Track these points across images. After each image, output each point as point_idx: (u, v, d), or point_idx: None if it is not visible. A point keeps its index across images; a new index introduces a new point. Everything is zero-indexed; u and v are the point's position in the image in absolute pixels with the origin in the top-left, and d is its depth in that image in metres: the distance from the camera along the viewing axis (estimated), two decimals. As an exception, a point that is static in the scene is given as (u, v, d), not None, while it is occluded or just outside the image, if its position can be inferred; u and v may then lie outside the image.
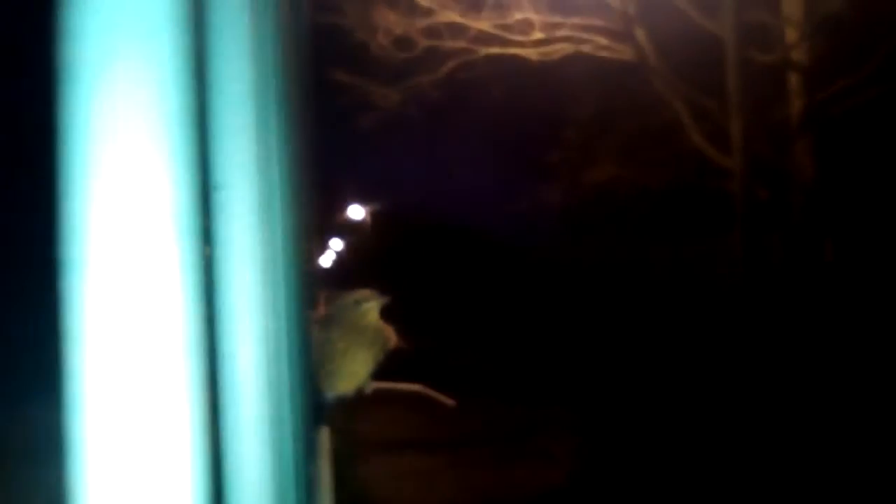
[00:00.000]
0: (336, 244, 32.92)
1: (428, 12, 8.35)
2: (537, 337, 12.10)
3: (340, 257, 34.70)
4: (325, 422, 0.97)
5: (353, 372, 1.01)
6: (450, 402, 1.81)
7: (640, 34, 7.94)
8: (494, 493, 6.51)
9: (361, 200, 23.81)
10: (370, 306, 1.02)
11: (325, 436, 0.86)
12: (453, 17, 8.36)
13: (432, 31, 8.52)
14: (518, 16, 8.24)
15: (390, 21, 8.38)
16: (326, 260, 36.73)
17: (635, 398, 8.80)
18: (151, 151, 0.36)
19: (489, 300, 14.24)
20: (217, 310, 0.51)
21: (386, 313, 1.07)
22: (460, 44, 8.55)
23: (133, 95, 0.36)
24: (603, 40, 8.34)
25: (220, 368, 0.50)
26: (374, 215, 24.06)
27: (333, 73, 8.97)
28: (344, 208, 24.81)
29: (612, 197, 10.07)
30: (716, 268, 8.82)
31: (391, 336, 1.08)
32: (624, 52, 8.33)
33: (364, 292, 1.04)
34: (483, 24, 8.32)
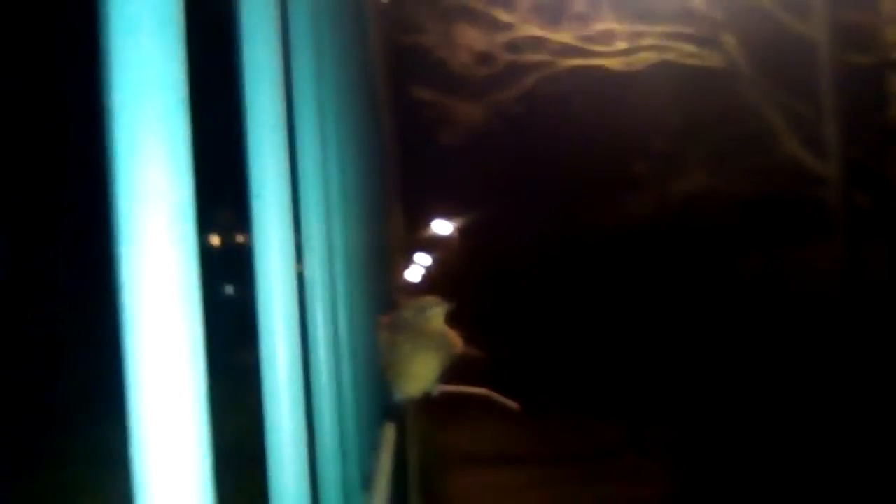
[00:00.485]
0: (423, 259, 33.21)
1: (508, 27, 8.38)
2: (628, 350, 11.86)
3: (428, 272, 34.97)
4: (392, 419, 1.01)
5: (420, 374, 1.05)
6: (514, 406, 1.85)
7: (728, 39, 7.73)
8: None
9: (447, 216, 23.95)
10: (435, 311, 1.06)
11: (389, 431, 0.90)
12: (534, 30, 8.36)
13: (513, 46, 8.54)
14: (600, 26, 8.17)
15: (471, 38, 8.45)
16: (414, 274, 37.13)
17: (732, 414, 8.50)
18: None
19: (578, 313, 14.06)
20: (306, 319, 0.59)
21: (452, 319, 1.10)
22: (541, 57, 8.54)
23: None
24: (689, 47, 8.16)
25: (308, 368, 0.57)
26: (460, 230, 24.17)
27: (416, 91, 9.12)
28: (430, 224, 25.01)
29: (703, 208, 9.79)
30: (814, 279, 8.45)
31: (457, 341, 1.11)
32: (712, 59, 8.13)
33: (430, 298, 1.08)
34: (564, 36, 8.29)
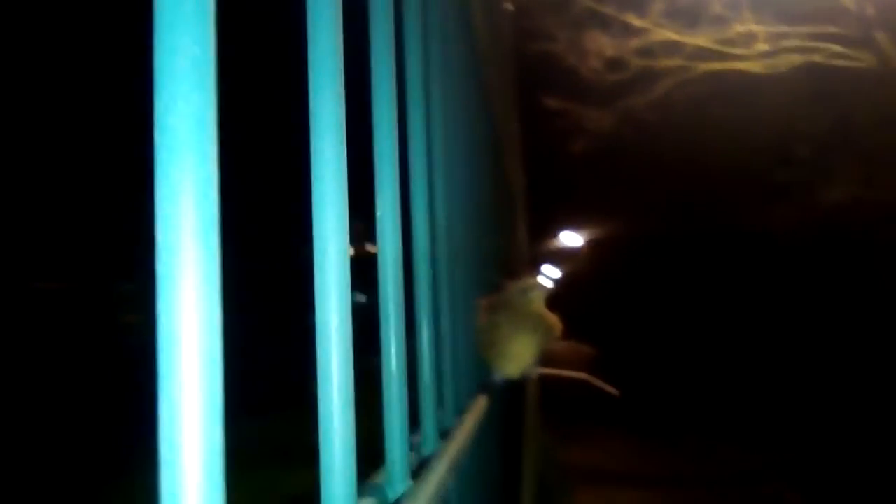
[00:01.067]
0: (552, 271, 32.96)
1: (641, 32, 8.18)
2: (765, 373, 11.26)
3: (556, 285, 34.70)
4: (488, 393, 1.05)
5: (518, 355, 1.08)
6: (615, 392, 1.92)
7: (881, 38, 7.20)
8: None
9: (577, 227, 23.63)
10: (534, 294, 1.08)
11: (482, 400, 1.01)
12: (668, 34, 8.12)
13: (645, 51, 8.33)
14: (739, 28, 7.83)
15: (602, 43, 8.31)
16: (545, 288, 36.89)
17: (878, 443, 7.87)
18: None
19: (716, 331, 13.50)
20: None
21: (551, 303, 1.12)
22: (676, 62, 8.27)
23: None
24: (837, 48, 7.67)
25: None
26: (589, 242, 23.77)
27: (546, 100, 9.07)
28: (558, 235, 24.77)
29: (853, 219, 9.14)
30: None
31: (555, 324, 1.12)
32: (863, 59, 7.60)
33: (530, 281, 1.09)
34: (700, 39, 8.00)
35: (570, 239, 24.72)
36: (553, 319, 1.11)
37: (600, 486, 7.37)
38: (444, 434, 0.79)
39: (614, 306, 20.62)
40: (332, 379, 0.45)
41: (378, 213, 0.62)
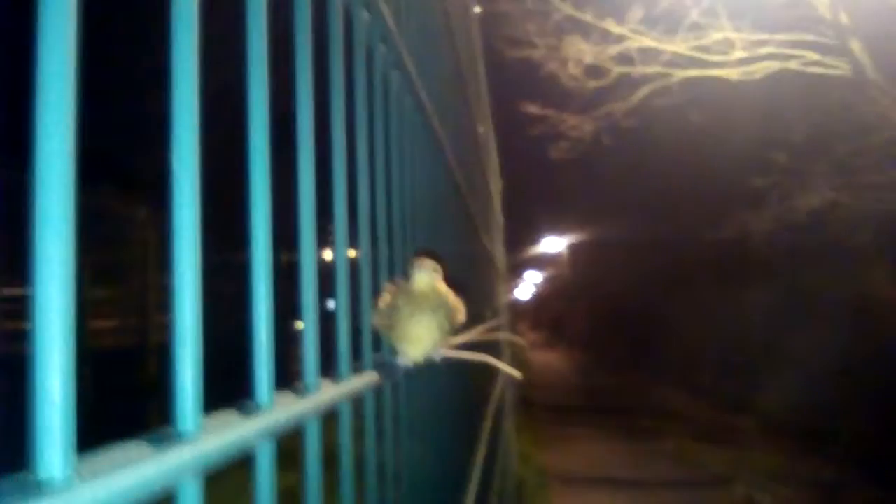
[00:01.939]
0: (533, 277, 33.03)
1: (620, 39, 8.24)
2: (738, 376, 11.36)
3: (539, 289, 34.77)
4: (382, 373, 1.07)
5: (419, 336, 1.07)
6: (517, 375, 1.92)
7: (855, 46, 7.29)
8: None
9: (558, 233, 23.72)
10: (420, 274, 1.07)
11: (370, 375, 1.01)
12: (647, 41, 8.18)
13: (624, 58, 8.39)
14: (717, 36, 7.90)
15: (581, 50, 8.36)
16: (524, 292, 36.99)
17: (820, 417, 7.95)
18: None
19: (691, 336, 13.59)
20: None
21: (451, 284, 1.12)
22: (654, 69, 8.33)
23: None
24: (813, 55, 7.76)
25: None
26: (570, 247, 23.86)
27: (526, 106, 9.11)
28: (539, 241, 24.85)
29: (829, 224, 9.23)
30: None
31: (458, 305, 1.12)
32: (838, 67, 7.69)
33: (424, 261, 1.08)
34: (679, 46, 8.06)
35: (552, 244, 24.82)
36: (455, 301, 1.11)
37: (575, 488, 7.41)
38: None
39: (596, 310, 20.71)
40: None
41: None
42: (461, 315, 1.12)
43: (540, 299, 33.96)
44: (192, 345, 0.49)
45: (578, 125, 9.10)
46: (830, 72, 7.73)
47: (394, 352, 1.11)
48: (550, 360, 21.71)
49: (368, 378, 0.98)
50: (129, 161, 7.95)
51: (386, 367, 1.08)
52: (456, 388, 1.94)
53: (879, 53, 7.37)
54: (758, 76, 7.90)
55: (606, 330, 19.56)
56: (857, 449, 7.81)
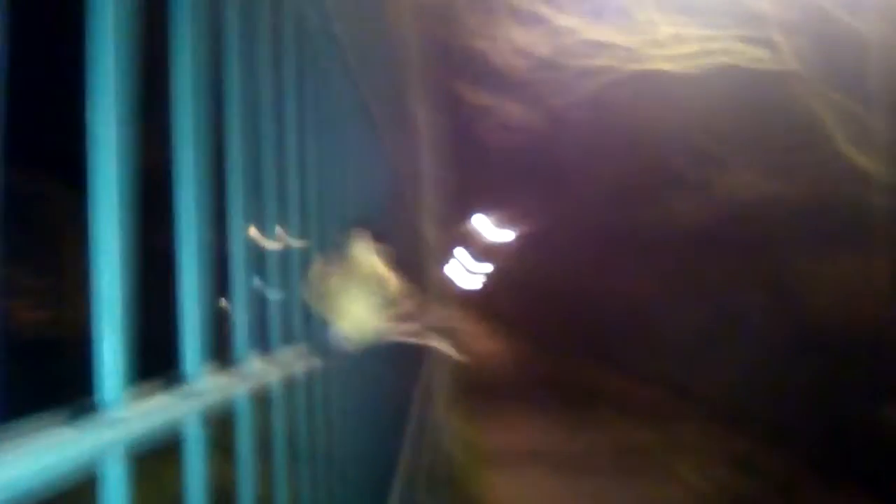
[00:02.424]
0: (483, 267, 33.23)
1: (571, 31, 8.29)
2: (670, 353, 11.67)
3: (488, 279, 35.00)
4: (315, 347, 1.08)
5: (355, 314, 1.06)
6: (459, 357, 1.95)
7: (796, 43, 7.49)
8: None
9: (509, 223, 23.88)
10: (358, 246, 1.07)
11: (299, 350, 1.01)
12: (596, 35, 8.25)
13: (574, 51, 8.45)
14: (668, 30, 8.02)
15: (533, 41, 8.39)
16: (475, 282, 37.19)
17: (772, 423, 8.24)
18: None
19: (630, 317, 13.89)
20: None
21: (383, 259, 1.12)
22: (603, 62, 8.41)
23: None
24: (756, 51, 7.94)
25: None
26: (518, 238, 24.06)
27: (474, 97, 9.12)
28: (489, 232, 24.99)
29: (755, 210, 9.54)
30: (868, 285, 8.15)
31: (389, 277, 1.12)
32: (782, 62, 7.89)
33: (358, 235, 1.08)
34: (627, 40, 8.16)
35: (501, 235, 24.98)
36: (388, 275, 1.11)
37: (508, 463, 7.54)
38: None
39: (542, 298, 20.95)
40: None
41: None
42: (393, 286, 1.12)
43: (488, 290, 34.19)
44: (116, 312, 0.48)
45: (528, 115, 9.16)
46: (775, 66, 7.93)
47: (326, 325, 1.10)
48: (494, 349, 21.91)
49: (299, 350, 0.97)
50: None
51: (318, 339, 1.08)
52: (385, 367, 1.95)
53: (819, 52, 7.60)
54: (706, 70, 8.06)
55: (551, 318, 19.82)
56: (775, 428, 8.17)
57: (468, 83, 9.06)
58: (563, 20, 8.21)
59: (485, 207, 22.52)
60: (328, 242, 1.19)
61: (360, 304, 1.04)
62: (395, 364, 2.14)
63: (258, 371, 0.77)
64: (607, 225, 14.46)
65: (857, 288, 8.19)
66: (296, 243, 1.03)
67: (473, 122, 9.56)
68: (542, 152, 13.12)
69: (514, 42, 8.48)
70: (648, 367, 12.80)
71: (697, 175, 9.46)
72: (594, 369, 14.66)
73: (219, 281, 0.71)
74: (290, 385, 0.90)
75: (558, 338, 18.69)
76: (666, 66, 8.20)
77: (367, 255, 1.08)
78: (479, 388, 12.05)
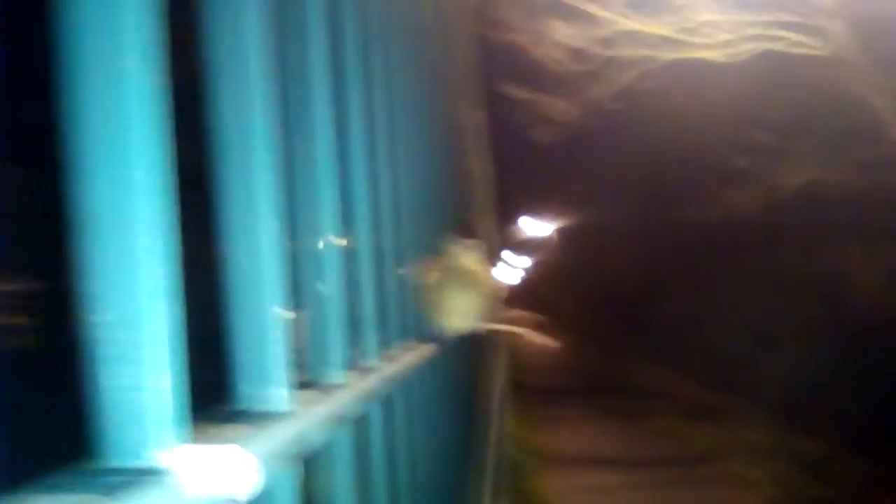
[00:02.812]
0: (522, 261, 33.11)
1: (606, 22, 8.27)
2: (735, 352, 11.48)
3: (528, 274, 34.86)
4: (434, 342, 1.16)
5: (460, 309, 1.16)
6: (554, 344, 2.00)
7: (837, 26, 7.37)
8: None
9: (546, 217, 23.78)
10: (464, 252, 1.16)
11: (426, 348, 1.09)
12: (632, 24, 8.21)
13: (610, 41, 8.42)
14: (701, 17, 7.95)
15: (567, 34, 8.39)
16: (514, 277, 37.08)
17: (819, 411, 8.08)
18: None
19: (683, 313, 13.71)
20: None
21: (486, 261, 1.20)
22: (640, 52, 8.38)
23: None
24: (796, 36, 7.82)
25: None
26: (559, 231, 23.95)
27: (512, 90, 9.14)
28: (528, 226, 24.89)
29: (812, 202, 9.35)
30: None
31: (489, 278, 1.22)
32: (820, 47, 7.77)
33: (464, 241, 1.17)
34: (664, 29, 8.11)
35: (540, 229, 24.88)
36: (488, 276, 1.20)
37: (569, 468, 7.51)
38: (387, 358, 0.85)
39: (583, 293, 20.82)
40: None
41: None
42: (492, 285, 1.20)
43: (528, 284, 34.06)
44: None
45: (566, 109, 9.14)
46: (813, 52, 7.81)
47: (436, 325, 1.19)
48: (540, 343, 21.84)
49: (427, 349, 1.03)
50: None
51: (425, 333, 1.16)
52: (463, 357, 2.00)
53: (861, 35, 7.45)
54: (742, 57, 7.97)
55: (594, 312, 19.69)
56: (842, 424, 7.95)
57: (505, 78, 9.09)
58: (597, 11, 8.20)
59: (526, 203, 22.45)
60: (423, 241, 1.25)
61: (462, 298, 1.13)
62: (468, 355, 2.19)
63: (384, 370, 0.82)
64: (652, 219, 14.33)
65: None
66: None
67: (511, 118, 9.57)
68: (583, 146, 13.06)
69: (550, 35, 8.50)
70: (694, 365, 12.68)
71: (746, 166, 9.33)
72: (640, 366, 14.55)
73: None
74: (406, 381, 0.95)
75: (602, 333, 18.58)
76: (701, 54, 8.14)
77: (466, 253, 1.16)
78: (532, 389, 12.07)
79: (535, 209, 23.46)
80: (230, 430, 0.47)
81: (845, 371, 8.48)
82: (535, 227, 24.92)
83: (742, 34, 7.96)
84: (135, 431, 0.39)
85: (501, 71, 9.04)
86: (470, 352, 2.33)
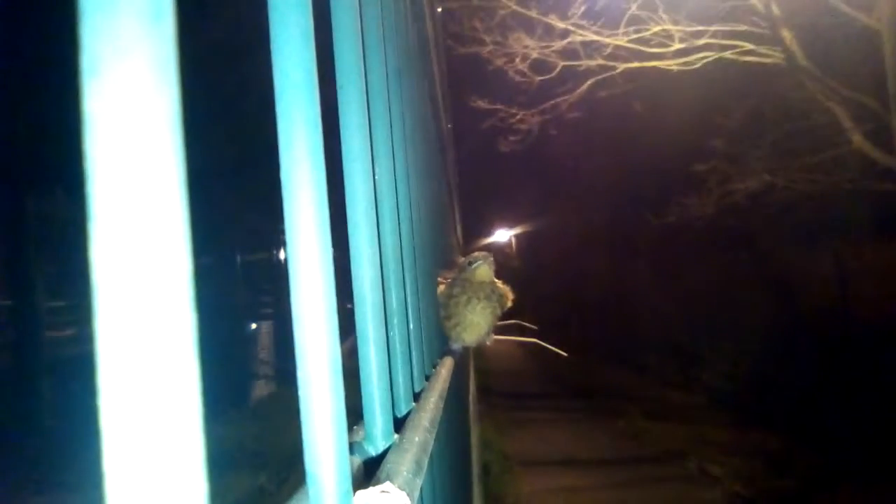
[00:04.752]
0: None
1: (564, 34, 8.46)
2: (690, 352, 11.74)
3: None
4: (451, 356, 1.12)
5: (475, 323, 1.16)
6: (563, 353, 2.00)
7: (786, 35, 7.65)
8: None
9: (507, 224, 24.03)
10: (479, 263, 1.17)
11: (448, 364, 1.06)
12: (589, 35, 8.41)
13: (569, 52, 8.61)
14: (656, 28, 8.17)
15: (527, 46, 8.56)
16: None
17: (790, 415, 8.35)
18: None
19: (644, 318, 13.96)
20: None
21: (500, 275, 1.22)
22: (597, 62, 8.59)
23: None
24: (747, 44, 8.10)
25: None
26: (518, 237, 24.20)
27: (475, 101, 9.28)
28: (491, 233, 25.09)
29: (767, 206, 9.66)
30: (885, 278, 8.26)
31: (507, 292, 1.23)
32: (770, 56, 8.05)
33: (477, 253, 1.18)
34: (620, 39, 8.32)
35: (500, 235, 25.10)
36: (504, 289, 1.23)
37: (537, 471, 7.62)
38: (416, 396, 0.81)
39: (543, 297, 21.05)
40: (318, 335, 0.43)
41: (349, 199, 0.62)
42: (510, 300, 1.24)
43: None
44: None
45: (526, 118, 9.31)
46: (763, 60, 8.09)
47: (450, 338, 1.21)
48: (502, 347, 21.96)
49: (448, 366, 1.07)
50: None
51: (452, 351, 1.18)
52: (461, 376, 2.06)
53: (809, 43, 7.74)
54: (696, 66, 8.22)
55: (555, 315, 19.92)
56: (797, 418, 8.23)
57: (470, 89, 9.24)
58: (557, 23, 8.37)
59: (486, 210, 22.62)
60: (439, 253, 1.29)
61: (483, 315, 1.16)
62: (462, 363, 2.23)
63: (433, 392, 0.86)
64: (612, 223, 14.59)
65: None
66: (423, 255, 1.09)
67: (474, 128, 9.72)
68: (543, 154, 13.26)
69: (507, 46, 8.67)
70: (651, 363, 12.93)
71: (702, 171, 9.61)
72: (600, 366, 14.77)
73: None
74: (445, 398, 0.98)
75: (564, 336, 18.80)
76: (657, 64, 8.36)
77: (486, 270, 1.19)
78: (498, 393, 12.16)
79: (495, 216, 23.67)
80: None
81: (803, 366, 8.77)
82: (497, 233, 25.14)
83: (695, 43, 8.20)
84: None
85: (462, 81, 9.18)
86: (463, 360, 2.40)
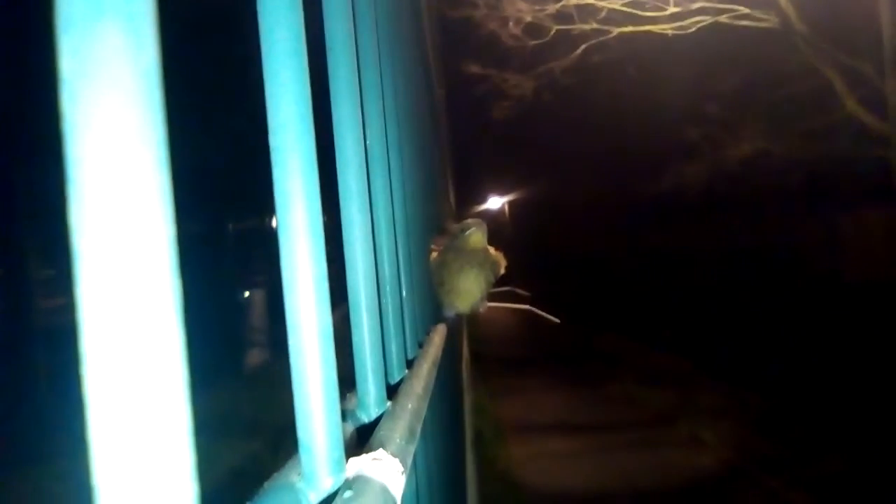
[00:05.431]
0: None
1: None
2: (686, 322, 11.81)
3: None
4: (444, 322, 1.12)
5: (468, 290, 1.15)
6: (555, 320, 2.00)
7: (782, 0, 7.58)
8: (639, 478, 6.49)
9: (500, 190, 23.97)
10: (473, 231, 1.15)
11: (441, 331, 1.04)
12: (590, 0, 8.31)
13: (563, 16, 8.52)
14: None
15: (520, 8, 8.46)
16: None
17: (784, 382, 8.44)
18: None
19: (636, 285, 14.01)
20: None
21: (494, 241, 1.21)
22: (591, 26, 8.49)
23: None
24: (742, 8, 8.02)
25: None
26: (510, 204, 24.17)
27: (468, 66, 9.19)
28: (485, 199, 25.05)
29: (761, 172, 9.65)
30: (877, 243, 8.30)
31: (500, 259, 1.22)
32: (765, 20, 7.98)
33: (470, 220, 1.17)
34: (614, 3, 8.22)
35: (493, 202, 25.06)
36: (496, 255, 1.22)
37: (529, 436, 7.69)
38: (409, 363, 0.81)
39: (538, 263, 21.11)
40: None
41: (340, 165, 0.61)
42: (502, 266, 1.22)
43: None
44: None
45: (519, 84, 9.23)
46: (758, 25, 8.01)
47: (443, 305, 1.20)
48: (495, 314, 22.02)
49: (443, 329, 1.07)
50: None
51: (444, 318, 1.18)
52: (453, 342, 2.06)
53: (805, 6, 7.67)
54: (690, 31, 8.14)
55: (548, 282, 19.98)
56: (786, 383, 8.31)
57: (461, 54, 9.13)
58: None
59: (480, 177, 22.56)
60: (431, 221, 1.27)
61: (477, 282, 1.15)
62: (455, 329, 2.23)
63: (427, 358, 0.86)
64: (606, 189, 14.57)
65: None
66: (417, 223, 1.08)
67: (467, 93, 9.64)
68: (537, 120, 13.17)
69: (501, 9, 8.56)
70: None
71: (696, 137, 9.57)
72: (594, 333, 14.83)
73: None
74: (438, 365, 0.97)
75: (557, 302, 18.87)
76: (652, 28, 8.28)
77: (479, 237, 1.18)
78: (490, 359, 12.21)
79: (489, 183, 23.61)
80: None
81: (794, 332, 8.84)
82: (490, 200, 25.10)
83: (689, 7, 8.12)
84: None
85: (456, 47, 9.07)
86: (457, 327, 2.40)
